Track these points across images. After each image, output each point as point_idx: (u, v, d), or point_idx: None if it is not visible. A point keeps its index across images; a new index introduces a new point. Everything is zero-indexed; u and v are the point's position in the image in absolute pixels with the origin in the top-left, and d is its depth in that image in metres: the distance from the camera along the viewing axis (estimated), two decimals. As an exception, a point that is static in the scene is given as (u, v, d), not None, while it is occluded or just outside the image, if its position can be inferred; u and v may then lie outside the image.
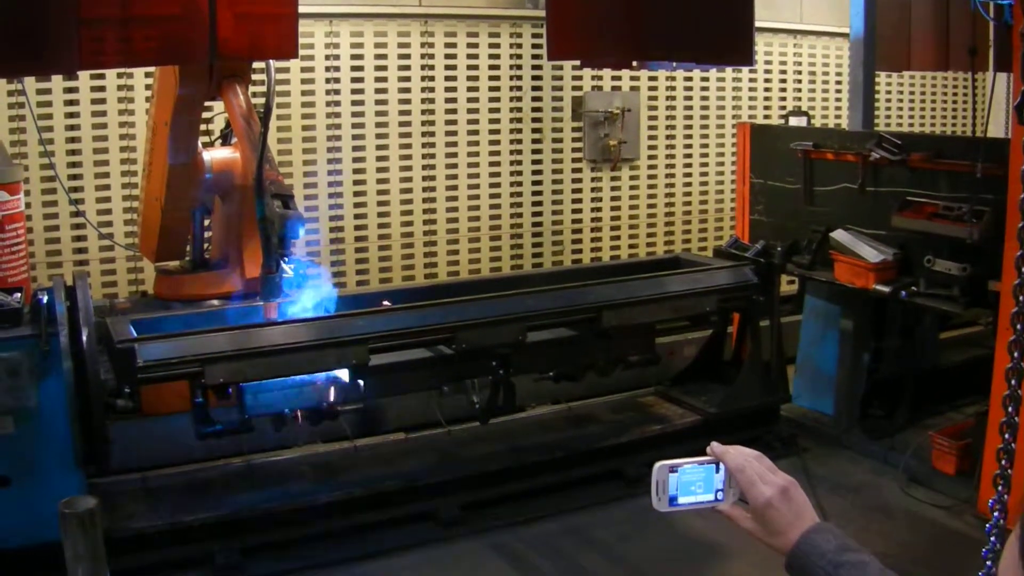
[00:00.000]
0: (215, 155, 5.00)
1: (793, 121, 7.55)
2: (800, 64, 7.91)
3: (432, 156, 6.61)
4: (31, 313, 4.01)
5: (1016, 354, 1.86)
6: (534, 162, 6.97)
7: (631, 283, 5.14)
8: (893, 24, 6.17)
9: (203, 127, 5.15)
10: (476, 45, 6.64)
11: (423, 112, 6.54)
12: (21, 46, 3.25)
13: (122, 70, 5.58)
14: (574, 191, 7.15)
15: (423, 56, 6.48)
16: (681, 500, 1.57)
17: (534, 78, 6.87)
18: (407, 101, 6.47)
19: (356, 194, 6.42)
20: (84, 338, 3.98)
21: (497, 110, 6.77)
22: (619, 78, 7.16)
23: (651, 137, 7.36)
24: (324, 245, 6.32)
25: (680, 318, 5.63)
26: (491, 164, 6.81)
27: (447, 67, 6.57)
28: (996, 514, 1.78)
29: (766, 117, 7.76)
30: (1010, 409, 1.86)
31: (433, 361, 4.71)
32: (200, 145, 4.97)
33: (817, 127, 7.64)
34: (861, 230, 5.44)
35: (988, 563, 1.66)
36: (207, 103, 4.80)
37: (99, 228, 5.70)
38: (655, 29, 4.37)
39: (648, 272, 5.57)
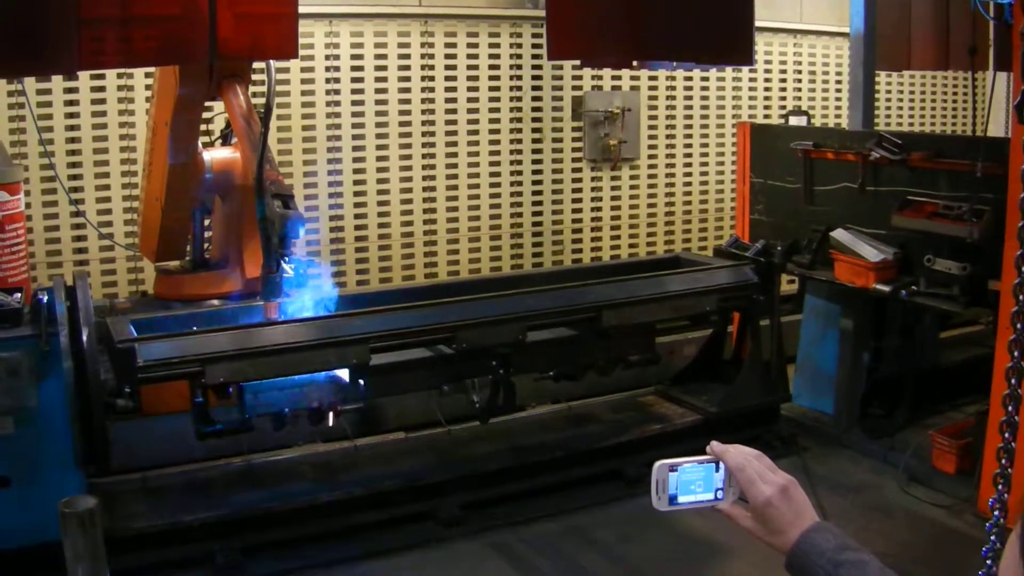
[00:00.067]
0: (215, 155, 5.00)
1: (793, 120, 7.54)
2: (800, 63, 7.91)
3: (432, 156, 6.61)
4: (31, 313, 4.01)
5: (1016, 353, 1.86)
6: (534, 162, 6.97)
7: (631, 283, 5.15)
8: (893, 23, 6.17)
9: (203, 127, 5.15)
10: (476, 45, 6.64)
11: (423, 112, 6.54)
12: (21, 46, 3.24)
13: (122, 70, 5.58)
14: (574, 191, 7.15)
15: (423, 56, 6.48)
16: (681, 499, 1.57)
17: (534, 78, 6.87)
18: (407, 101, 6.47)
19: (356, 194, 6.42)
20: (84, 338, 3.98)
21: (497, 110, 6.78)
22: (619, 78, 7.16)
23: (651, 137, 7.36)
24: (324, 245, 6.32)
25: (680, 317, 5.63)
26: (491, 164, 6.81)
27: (447, 67, 6.57)
28: (996, 513, 1.78)
29: (766, 116, 7.76)
30: (1010, 408, 1.85)
31: (433, 361, 4.71)
32: (200, 145, 4.97)
33: (817, 126, 7.64)
34: (861, 229, 5.44)
35: (988, 562, 1.66)
36: (207, 103, 4.80)
37: (99, 228, 5.70)
38: (655, 29, 4.37)
39: (648, 272, 5.57)
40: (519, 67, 6.81)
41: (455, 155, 6.68)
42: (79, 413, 3.96)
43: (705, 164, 7.61)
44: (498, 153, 6.83)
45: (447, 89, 6.58)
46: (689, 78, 7.42)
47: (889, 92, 8.32)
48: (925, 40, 6.27)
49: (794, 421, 5.91)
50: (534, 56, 6.81)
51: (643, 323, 5.22)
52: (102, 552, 2.94)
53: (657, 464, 1.56)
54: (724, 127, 7.61)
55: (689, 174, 7.56)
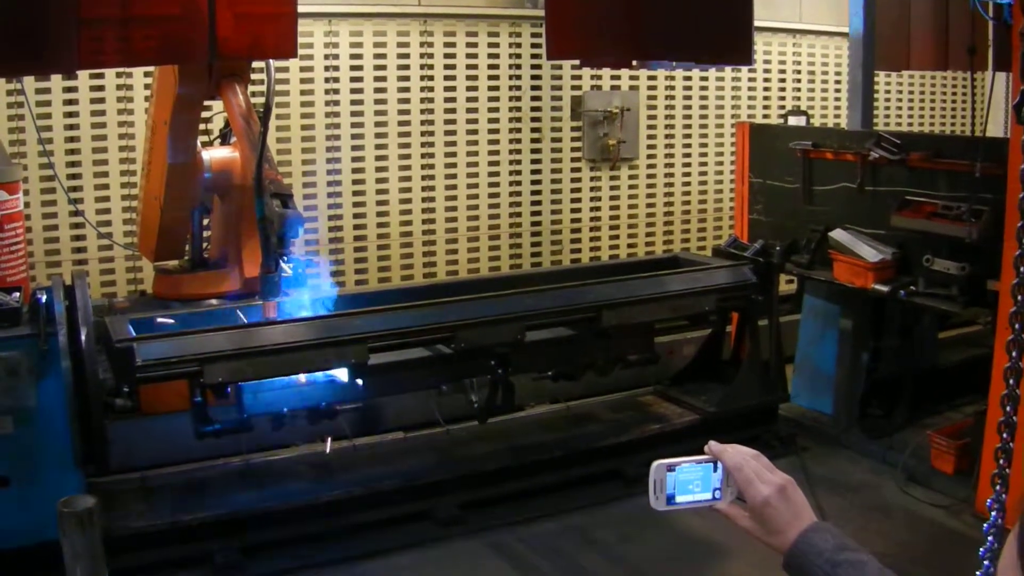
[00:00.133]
0: (214, 154, 5.00)
1: (792, 120, 7.55)
2: (799, 63, 7.91)
3: (431, 155, 6.61)
4: (30, 312, 4.01)
5: (1015, 353, 1.86)
6: (533, 161, 6.97)
7: (630, 282, 5.14)
8: (892, 23, 6.18)
9: (202, 126, 5.14)
10: (475, 44, 6.64)
11: (422, 111, 6.54)
12: (21, 46, 3.25)
13: (121, 70, 5.57)
14: (573, 190, 7.15)
15: (422, 56, 6.48)
16: (679, 499, 1.57)
17: (533, 77, 6.87)
18: (406, 100, 6.47)
19: (355, 193, 6.42)
20: (83, 337, 3.98)
21: (496, 109, 6.77)
22: (618, 77, 7.16)
23: (650, 136, 7.36)
24: (323, 244, 6.32)
25: (679, 317, 5.62)
26: (490, 163, 6.81)
27: (446, 66, 6.57)
28: (994, 514, 1.78)
29: (765, 116, 7.76)
30: (1008, 408, 1.85)
31: (432, 360, 4.71)
32: (199, 144, 4.97)
33: (816, 126, 7.64)
34: (860, 229, 5.44)
35: (986, 563, 1.66)
36: (206, 102, 4.80)
37: (98, 227, 5.69)
38: (654, 28, 4.37)
39: (647, 271, 5.57)
40: (518, 67, 6.81)
41: (454, 155, 6.68)
42: (78, 413, 3.96)
43: (704, 164, 7.61)
44: (497, 153, 6.83)
45: (446, 89, 6.58)
46: (688, 78, 7.42)
47: (888, 92, 8.32)
48: (924, 40, 6.27)
49: (793, 421, 5.92)
50: (533, 56, 6.81)
51: (642, 323, 5.22)
52: (101, 551, 2.94)
53: (655, 464, 1.56)
54: (723, 127, 7.61)
55: (688, 174, 7.56)
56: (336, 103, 6.27)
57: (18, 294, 4.15)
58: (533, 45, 6.79)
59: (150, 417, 4.76)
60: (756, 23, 4.65)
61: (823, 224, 5.62)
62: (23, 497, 3.88)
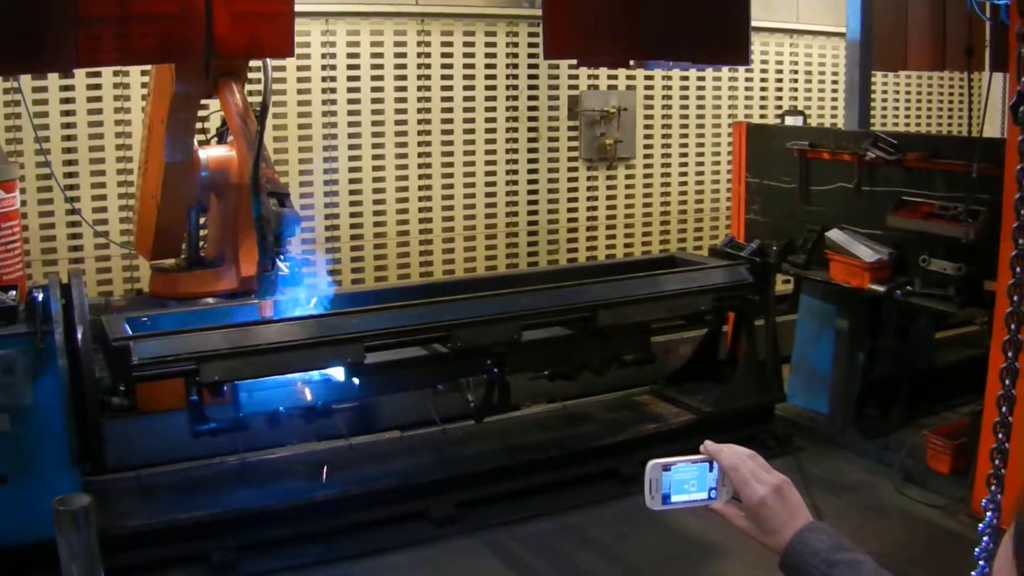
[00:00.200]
0: (211, 153, 5.00)
1: (789, 120, 7.56)
2: (796, 64, 7.92)
3: (428, 155, 6.61)
4: (26, 311, 4.01)
5: (1011, 354, 1.86)
6: (530, 161, 6.97)
7: (626, 282, 5.14)
8: (889, 24, 6.18)
9: (199, 125, 5.14)
10: (472, 44, 6.64)
11: (419, 111, 6.54)
12: (19, 44, 3.24)
13: (118, 68, 5.57)
14: (570, 190, 7.15)
15: (419, 55, 6.48)
16: (675, 498, 1.57)
17: (530, 77, 6.88)
18: (403, 100, 6.47)
19: (352, 192, 6.42)
20: (79, 336, 3.97)
21: (493, 109, 6.78)
22: (615, 77, 7.16)
23: (647, 136, 7.37)
24: (320, 243, 6.32)
25: (675, 317, 5.63)
26: (487, 163, 6.82)
27: (443, 66, 6.56)
28: (990, 514, 1.79)
29: (762, 116, 7.77)
30: (1004, 409, 1.86)
31: (428, 359, 4.70)
32: (196, 143, 4.97)
33: (813, 127, 7.65)
34: (857, 229, 5.45)
35: (982, 563, 1.67)
36: (203, 101, 4.80)
37: (95, 226, 5.68)
38: (651, 28, 4.37)
39: (643, 271, 5.57)
40: (515, 66, 6.81)
41: (451, 154, 6.68)
42: (74, 411, 3.95)
43: (701, 164, 7.62)
44: (494, 152, 6.83)
45: (443, 88, 6.58)
46: (685, 78, 7.42)
47: (885, 92, 8.33)
48: (921, 41, 6.28)
49: (789, 421, 5.92)
50: (530, 55, 6.82)
51: (638, 323, 5.22)
52: (96, 550, 2.94)
53: (651, 463, 1.56)
54: (720, 127, 7.62)
55: (685, 174, 7.56)
56: (333, 102, 6.27)
57: (14, 292, 4.14)
58: (530, 45, 6.79)
59: (146, 416, 4.76)
60: (753, 23, 4.65)
61: (820, 224, 5.63)
62: (19, 495, 3.88)
